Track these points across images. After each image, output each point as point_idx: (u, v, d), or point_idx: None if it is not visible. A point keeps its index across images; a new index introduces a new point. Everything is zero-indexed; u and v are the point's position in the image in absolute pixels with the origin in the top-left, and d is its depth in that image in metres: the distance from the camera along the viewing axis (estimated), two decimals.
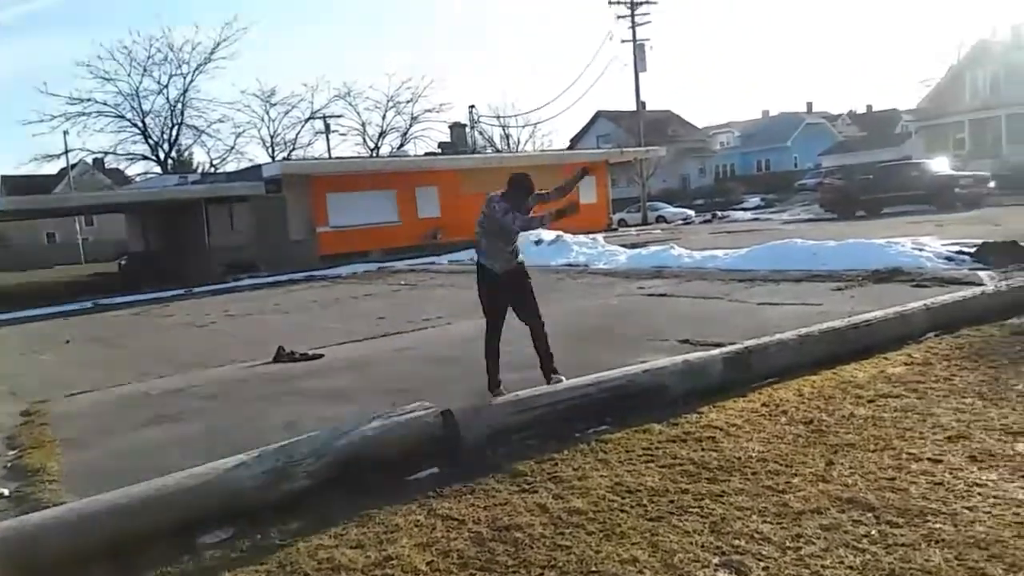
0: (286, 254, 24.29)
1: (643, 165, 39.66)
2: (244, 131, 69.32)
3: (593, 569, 3.06)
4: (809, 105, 69.89)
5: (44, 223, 51.14)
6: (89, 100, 46.95)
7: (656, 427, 4.73)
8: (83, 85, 78.66)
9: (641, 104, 41.01)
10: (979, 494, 3.39)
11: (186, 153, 53.41)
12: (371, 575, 3.22)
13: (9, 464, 5.38)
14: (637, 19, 39.86)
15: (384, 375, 7.19)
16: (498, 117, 59.74)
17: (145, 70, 47.90)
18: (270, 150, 54.10)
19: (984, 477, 3.57)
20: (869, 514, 3.29)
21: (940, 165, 27.68)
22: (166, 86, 49.07)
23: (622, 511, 3.58)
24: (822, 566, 2.90)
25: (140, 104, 48.72)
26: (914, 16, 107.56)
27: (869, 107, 70.67)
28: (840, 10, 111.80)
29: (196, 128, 51.07)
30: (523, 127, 73.56)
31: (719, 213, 38.94)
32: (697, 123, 69.94)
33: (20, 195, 37.16)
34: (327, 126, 52.37)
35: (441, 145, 44.90)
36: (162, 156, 50.25)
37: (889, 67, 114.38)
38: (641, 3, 40.14)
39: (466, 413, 4.62)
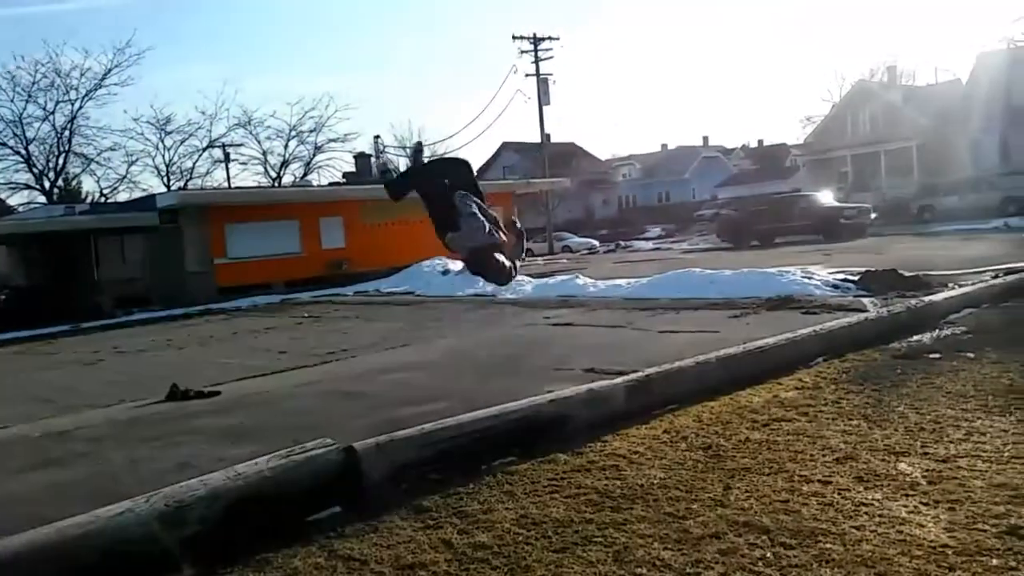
0: (182, 287, 23.42)
1: (548, 196, 40.35)
2: (137, 159, 66.44)
3: None
4: (705, 139, 72.84)
5: None
6: None
7: (561, 457, 4.76)
8: None
9: (546, 136, 41.83)
10: (866, 513, 3.54)
11: (74, 182, 50.84)
12: None
13: None
14: (540, 54, 40.80)
15: (285, 412, 6.98)
16: (404, 147, 59.62)
17: (30, 96, 45.51)
18: (165, 179, 52.12)
19: (870, 497, 3.74)
20: (764, 537, 3.39)
21: (826, 197, 29.30)
22: (52, 112, 46.69)
23: (527, 544, 3.56)
24: None
25: (24, 131, 46.22)
26: (798, 57, 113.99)
27: (761, 141, 74.18)
28: (732, 48, 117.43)
29: (85, 156, 48.69)
30: (429, 157, 73.70)
31: (623, 243, 39.93)
32: (600, 155, 71.79)
33: None
34: (226, 155, 51.06)
35: (346, 175, 44.45)
36: (47, 185, 47.67)
37: (777, 104, 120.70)
38: (544, 39, 41.10)
39: (369, 449, 4.52)
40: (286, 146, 55.72)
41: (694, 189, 62.95)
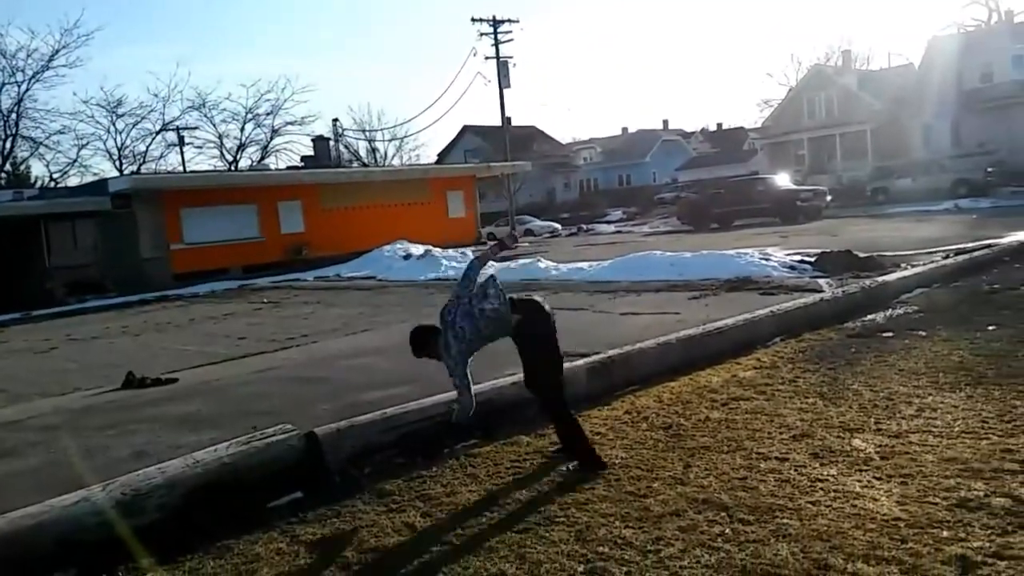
0: (137, 273, 22.94)
1: (510, 179, 40.25)
2: (88, 143, 65.04)
3: None
4: (665, 123, 73.19)
5: None
6: None
7: (524, 439, 4.78)
8: None
9: (506, 120, 41.63)
10: (821, 489, 3.62)
11: (22, 167, 49.43)
12: None
13: None
14: (500, 36, 40.52)
15: (244, 398, 6.89)
16: (364, 131, 59.05)
17: None
18: (118, 163, 50.90)
19: (825, 472, 3.82)
20: (723, 513, 3.44)
21: (784, 180, 29.69)
22: None
23: (491, 525, 3.58)
24: (680, 566, 3.01)
25: None
26: (756, 40, 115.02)
27: (720, 125, 74.95)
28: (690, 32, 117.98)
29: (33, 140, 47.31)
30: (389, 141, 73.00)
31: (584, 226, 40.03)
32: (561, 139, 71.78)
33: None
34: (181, 138, 49.98)
35: (304, 159, 43.83)
36: None
37: (735, 88, 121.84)
38: (503, 21, 40.86)
39: (331, 434, 4.49)
40: (242, 129, 54.80)
41: (655, 172, 63.30)
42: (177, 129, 50.42)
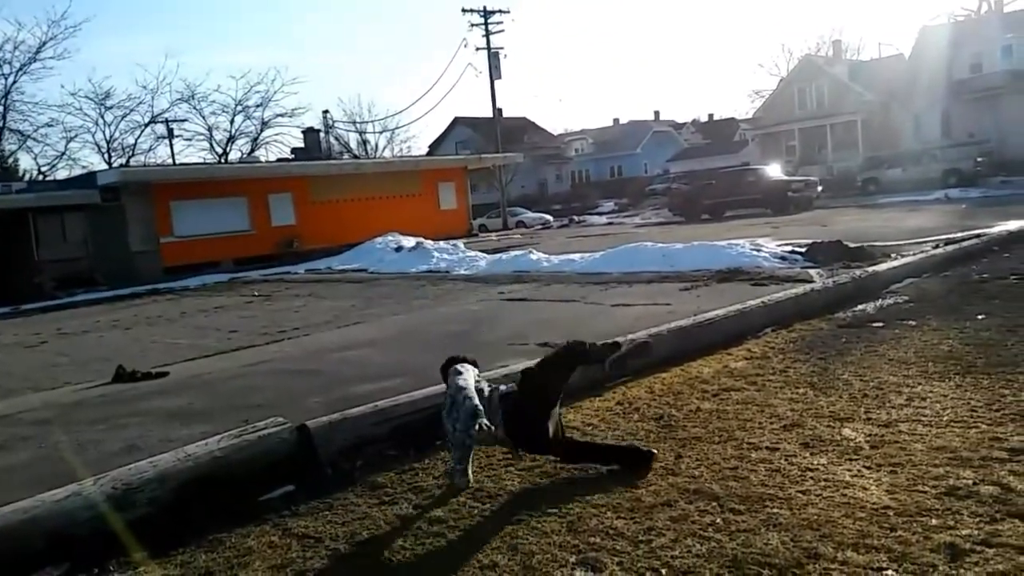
0: (127, 267, 22.87)
1: (502, 171, 40.24)
2: (76, 135, 64.72)
3: None
4: (657, 114, 73.32)
5: None
6: None
7: None
8: None
9: (498, 111, 41.57)
10: (811, 478, 3.64)
11: (10, 160, 49.13)
12: None
13: None
14: (491, 27, 40.42)
15: (236, 391, 6.88)
16: (354, 122, 58.92)
17: None
18: (107, 156, 50.68)
19: (816, 462, 3.84)
20: (714, 503, 3.46)
21: (774, 171, 29.78)
22: None
23: (483, 517, 3.59)
24: (672, 556, 3.02)
25: None
26: (747, 31, 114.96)
27: (711, 116, 75.04)
28: (682, 23, 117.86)
29: (21, 133, 47.10)
30: (380, 132, 72.67)
31: (576, 218, 40.09)
32: (553, 130, 71.75)
33: None
34: (170, 131, 49.85)
35: (295, 151, 43.68)
36: None
37: (726, 78, 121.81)
38: (494, 12, 40.75)
39: (323, 427, 4.49)
40: (232, 121, 54.65)
41: (646, 164, 63.37)
42: (166, 121, 50.32)
